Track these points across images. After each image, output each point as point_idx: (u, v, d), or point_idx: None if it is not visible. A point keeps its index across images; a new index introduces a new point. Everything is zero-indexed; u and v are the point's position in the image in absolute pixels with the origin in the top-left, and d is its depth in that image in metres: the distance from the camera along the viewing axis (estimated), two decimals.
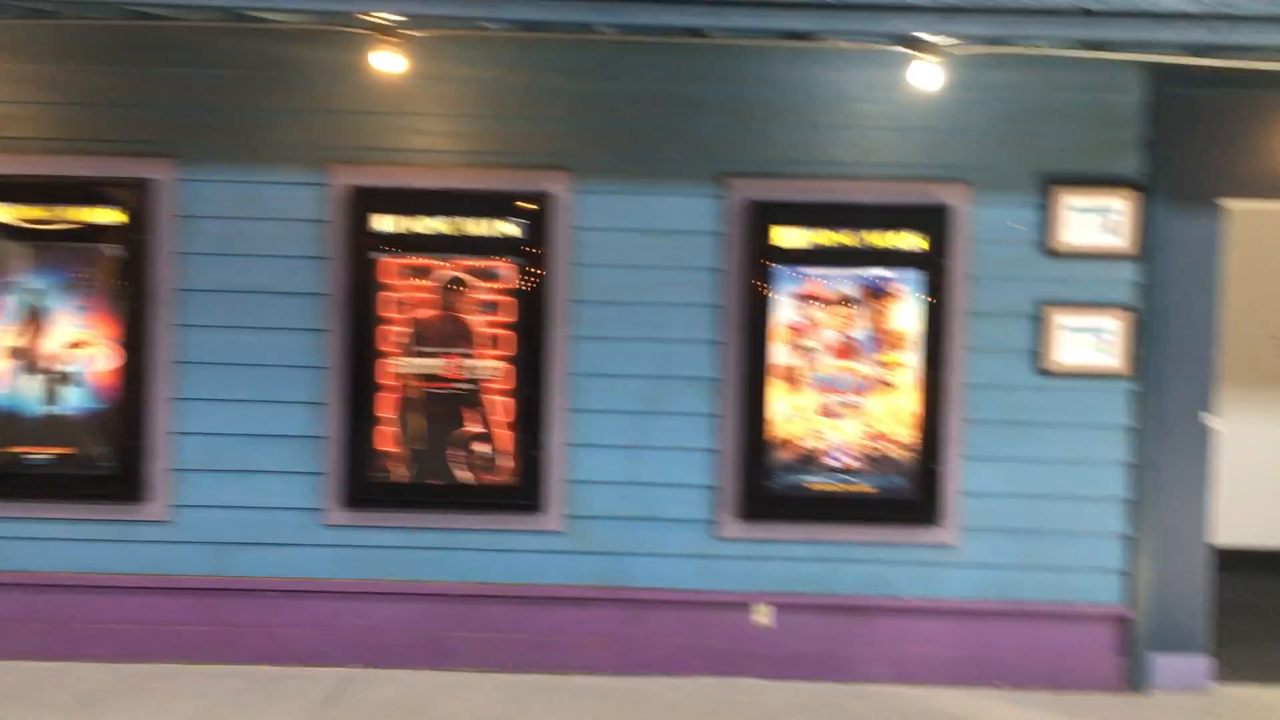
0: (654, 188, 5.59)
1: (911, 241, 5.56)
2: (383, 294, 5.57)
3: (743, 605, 5.63)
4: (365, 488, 5.61)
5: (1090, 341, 5.55)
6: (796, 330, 5.59)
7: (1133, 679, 5.58)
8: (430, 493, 5.63)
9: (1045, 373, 5.55)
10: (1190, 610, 5.64)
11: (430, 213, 5.58)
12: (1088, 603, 5.57)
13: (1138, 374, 5.55)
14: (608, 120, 5.59)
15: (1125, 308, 5.55)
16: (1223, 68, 5.24)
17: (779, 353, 5.58)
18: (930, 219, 5.56)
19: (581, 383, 5.60)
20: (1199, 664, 5.65)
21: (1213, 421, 5.66)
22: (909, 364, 5.57)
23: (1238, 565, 7.54)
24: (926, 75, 5.11)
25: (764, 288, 5.57)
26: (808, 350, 5.59)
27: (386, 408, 5.59)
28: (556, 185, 5.58)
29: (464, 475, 5.61)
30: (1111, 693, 5.56)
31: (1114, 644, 5.60)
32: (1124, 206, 5.52)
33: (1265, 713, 5.39)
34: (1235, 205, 5.67)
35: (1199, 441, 5.63)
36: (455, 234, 5.58)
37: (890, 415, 5.58)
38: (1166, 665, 5.60)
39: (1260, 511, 8.37)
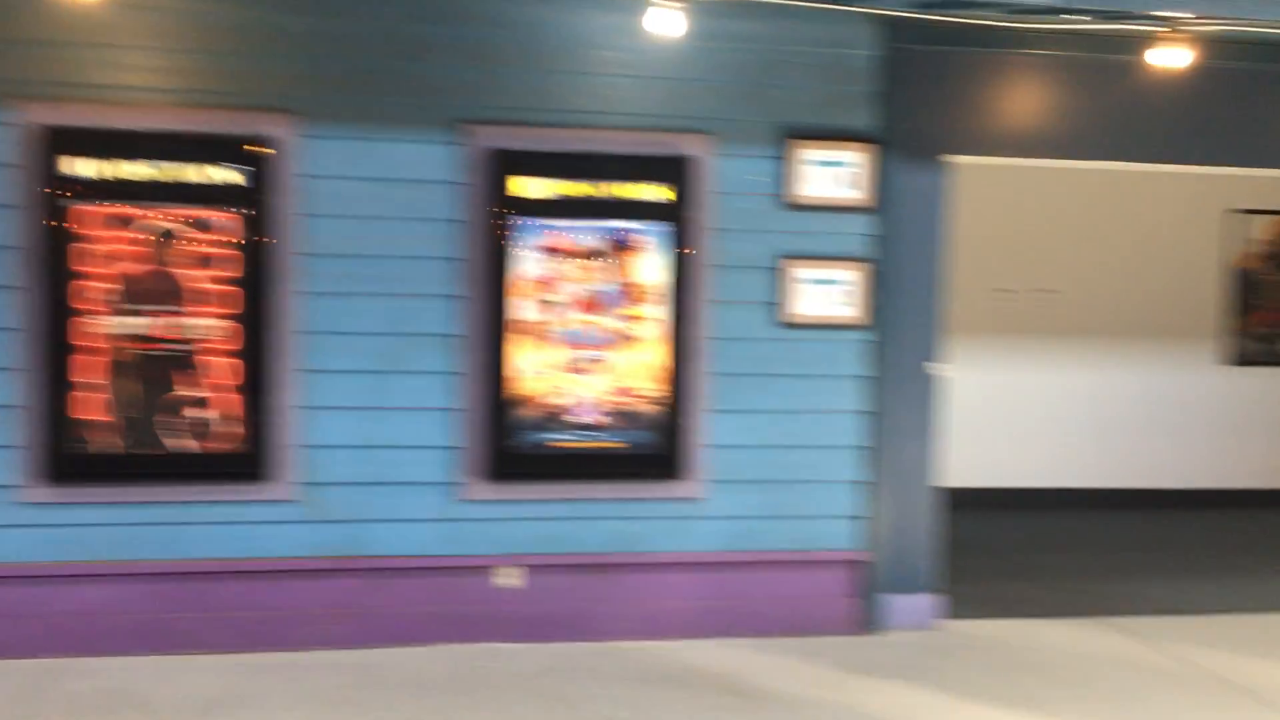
0: (388, 134, 5.29)
1: (655, 193, 5.49)
2: (84, 247, 5.03)
3: (489, 569, 5.46)
4: (70, 461, 5.09)
5: (827, 293, 5.64)
6: (541, 284, 5.43)
7: (868, 621, 5.77)
8: (147, 464, 5.17)
9: (785, 324, 5.61)
10: (921, 551, 5.87)
11: (137, 157, 5.07)
12: (826, 549, 5.70)
13: (872, 324, 5.69)
14: (337, 60, 5.23)
15: (860, 260, 5.67)
16: (949, 24, 5.40)
17: (523, 307, 5.40)
18: (673, 170, 5.49)
19: (312, 341, 5.26)
20: (929, 602, 5.89)
21: (941, 369, 5.88)
22: (654, 317, 5.51)
23: (966, 505, 7.97)
24: (665, 22, 5.03)
25: (506, 240, 5.37)
26: (552, 304, 5.44)
27: (93, 372, 5.08)
28: (281, 129, 5.18)
29: (185, 444, 5.18)
30: (849, 635, 5.73)
31: (851, 588, 5.76)
32: (858, 160, 5.62)
33: (986, 644, 5.68)
34: (961, 160, 5.87)
35: (929, 389, 5.84)
36: (167, 181, 5.10)
37: (636, 370, 5.51)
38: (899, 605, 5.82)
39: (986, 454, 8.88)
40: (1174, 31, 5.22)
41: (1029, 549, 7.71)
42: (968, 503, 8.19)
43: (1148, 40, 5.39)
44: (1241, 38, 5.58)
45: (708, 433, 5.58)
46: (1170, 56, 5.36)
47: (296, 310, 5.23)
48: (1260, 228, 9.24)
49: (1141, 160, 6.04)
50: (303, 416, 5.26)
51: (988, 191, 8.55)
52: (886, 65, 5.65)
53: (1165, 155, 6.05)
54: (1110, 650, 5.65)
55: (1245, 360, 9.26)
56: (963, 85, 5.79)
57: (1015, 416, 9.00)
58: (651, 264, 5.50)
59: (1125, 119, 5.92)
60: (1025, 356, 9.00)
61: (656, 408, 5.52)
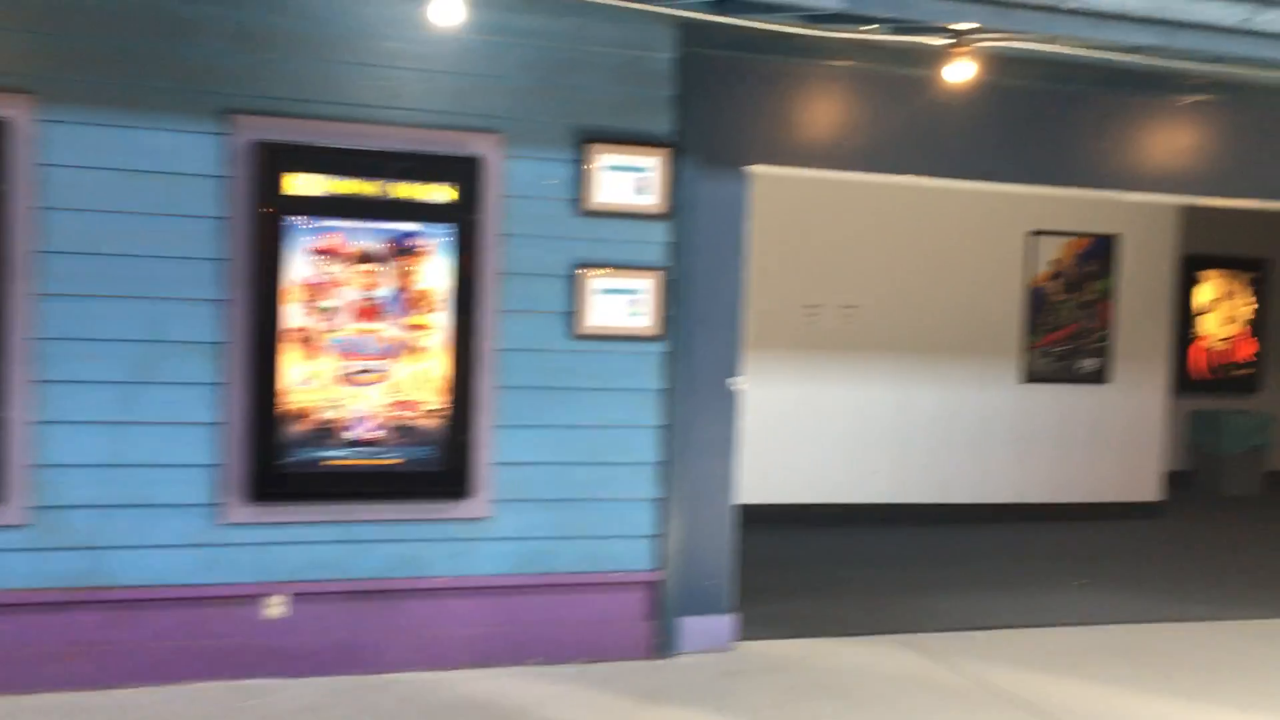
0: (143, 121, 4.80)
1: (441, 194, 5.16)
2: None
3: (253, 598, 5.00)
4: None
5: (624, 304, 5.42)
6: (314, 289, 5.02)
7: (662, 644, 5.54)
8: None
9: (579, 336, 5.36)
10: (718, 571, 5.69)
11: None
12: (620, 570, 5.46)
13: (669, 336, 5.50)
14: (85, 37, 4.72)
15: (658, 269, 5.47)
16: (747, 30, 5.25)
17: (294, 314, 4.99)
18: (461, 171, 5.18)
19: (50, 348, 4.72)
20: (724, 624, 5.72)
21: (740, 384, 5.73)
22: (438, 326, 5.17)
23: (762, 522, 7.88)
24: (448, 12, 4.73)
25: (278, 240, 4.95)
26: (326, 311, 5.04)
27: None
28: (15, 111, 4.63)
29: None
30: (643, 659, 5.50)
31: (645, 610, 5.53)
32: (657, 166, 5.43)
33: (782, 666, 5.54)
34: (762, 170, 5.75)
35: (726, 404, 5.68)
36: None
37: (418, 382, 5.16)
38: (694, 627, 5.62)
39: (783, 470, 8.82)
40: (962, 45, 5.21)
41: (826, 566, 7.66)
42: (764, 519, 8.11)
43: (944, 55, 5.38)
44: (1031, 57, 5.63)
45: (496, 449, 5.27)
46: (961, 71, 5.36)
47: (31, 314, 4.68)
48: (1053, 249, 9.52)
49: (940, 176, 6.05)
50: (37, 432, 4.70)
51: (792, 204, 8.53)
52: (686, 70, 5.48)
53: (963, 172, 6.08)
54: (905, 669, 5.59)
55: (1037, 377, 9.52)
56: (764, 93, 5.67)
57: (814, 432, 8.98)
58: (437, 270, 5.16)
59: (925, 134, 5.91)
60: (826, 371, 8.99)
61: (440, 423, 5.18)
